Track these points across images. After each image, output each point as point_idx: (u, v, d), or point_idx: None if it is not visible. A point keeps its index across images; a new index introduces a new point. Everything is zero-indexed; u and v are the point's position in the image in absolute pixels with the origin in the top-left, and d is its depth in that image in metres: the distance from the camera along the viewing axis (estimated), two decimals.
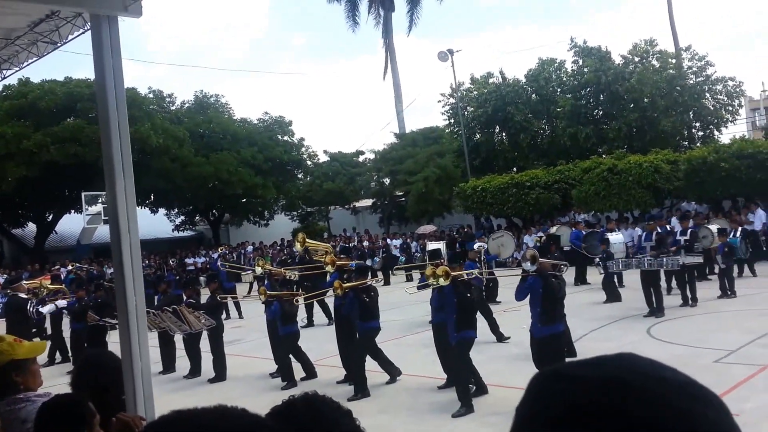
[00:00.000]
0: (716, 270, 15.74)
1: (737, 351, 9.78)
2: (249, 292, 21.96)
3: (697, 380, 0.81)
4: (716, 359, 9.40)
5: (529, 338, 8.88)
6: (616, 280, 16.32)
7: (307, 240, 12.86)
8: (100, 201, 31.27)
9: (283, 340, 10.82)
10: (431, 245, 16.58)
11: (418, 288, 10.51)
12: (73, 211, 37.09)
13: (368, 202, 40.00)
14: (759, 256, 19.37)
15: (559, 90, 33.15)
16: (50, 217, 38.22)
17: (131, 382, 4.63)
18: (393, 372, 10.00)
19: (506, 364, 10.34)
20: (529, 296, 8.67)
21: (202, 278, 20.45)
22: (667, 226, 17.02)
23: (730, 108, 29.98)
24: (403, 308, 16.09)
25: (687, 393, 0.76)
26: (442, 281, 8.56)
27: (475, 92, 34.74)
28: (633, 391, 0.75)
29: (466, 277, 8.99)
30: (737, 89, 29.72)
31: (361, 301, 9.77)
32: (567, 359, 7.68)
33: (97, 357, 3.52)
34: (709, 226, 16.82)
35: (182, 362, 12.34)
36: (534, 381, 0.84)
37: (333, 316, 12.41)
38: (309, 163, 42.85)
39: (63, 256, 35.30)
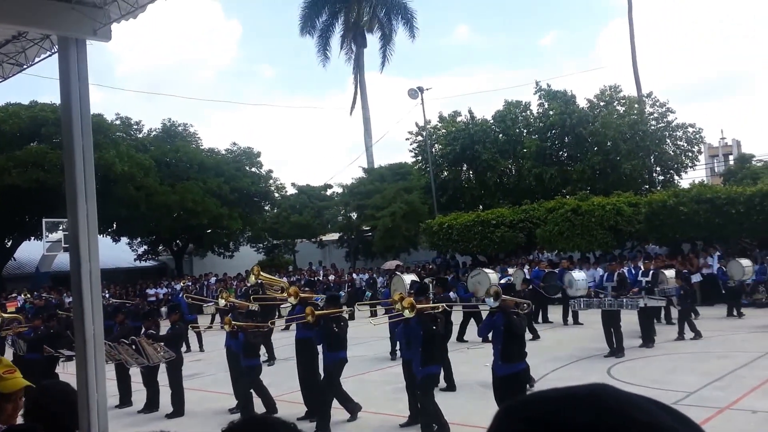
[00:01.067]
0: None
1: (695, 393, 9.91)
2: (211, 324, 21.62)
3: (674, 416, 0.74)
4: (674, 401, 9.46)
5: (491, 376, 8.88)
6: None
7: (262, 274, 12.77)
8: (60, 228, 30.70)
9: (245, 372, 10.65)
10: (408, 277, 16.91)
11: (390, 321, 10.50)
12: (33, 237, 36.30)
13: (335, 236, 39.88)
14: (716, 299, 19.74)
15: (525, 131, 33.75)
16: (9, 243, 37.35)
17: (86, 414, 4.51)
18: (353, 408, 9.88)
19: (467, 402, 10.31)
20: (491, 334, 8.69)
21: (163, 309, 20.13)
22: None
23: (690, 154, 30.77)
24: (368, 344, 15.99)
25: None
26: (407, 314, 8.55)
27: (443, 130, 35.16)
28: None
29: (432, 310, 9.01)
30: (697, 136, 30.53)
31: (330, 330, 9.69)
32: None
33: (52, 387, 3.43)
34: (665, 271, 17.07)
35: (139, 395, 12.04)
36: (496, 417, 0.80)
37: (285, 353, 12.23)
38: (276, 195, 42.64)
39: (21, 284, 34.46)
